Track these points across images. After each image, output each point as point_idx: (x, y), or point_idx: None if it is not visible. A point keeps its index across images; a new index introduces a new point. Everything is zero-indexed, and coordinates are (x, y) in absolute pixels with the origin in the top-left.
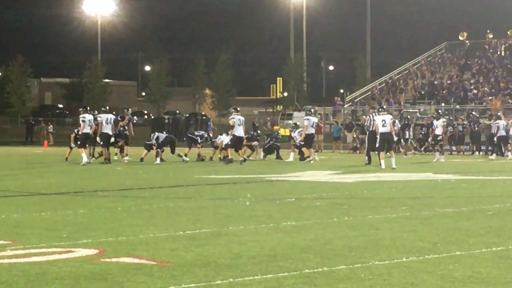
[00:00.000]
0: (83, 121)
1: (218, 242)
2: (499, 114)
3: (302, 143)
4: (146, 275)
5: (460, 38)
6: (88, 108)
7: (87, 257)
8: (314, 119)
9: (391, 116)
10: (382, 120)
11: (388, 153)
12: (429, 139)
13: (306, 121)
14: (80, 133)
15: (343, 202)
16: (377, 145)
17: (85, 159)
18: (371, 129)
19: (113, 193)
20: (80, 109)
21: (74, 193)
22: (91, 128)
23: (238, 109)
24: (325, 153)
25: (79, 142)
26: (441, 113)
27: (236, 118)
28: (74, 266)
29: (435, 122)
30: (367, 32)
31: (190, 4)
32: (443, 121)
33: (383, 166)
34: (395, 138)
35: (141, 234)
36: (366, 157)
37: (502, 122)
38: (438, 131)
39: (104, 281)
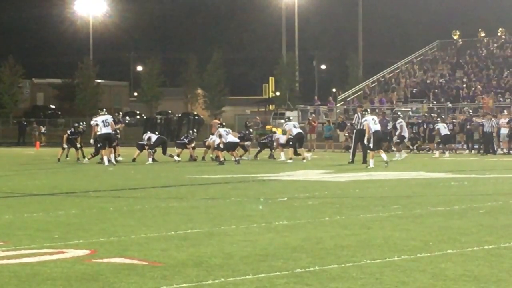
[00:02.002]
0: (96, 124)
1: (210, 242)
2: (490, 114)
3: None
4: (137, 276)
5: (453, 36)
6: (104, 109)
7: (79, 257)
8: (293, 123)
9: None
10: (373, 119)
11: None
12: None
13: (287, 126)
14: (98, 134)
15: (335, 201)
16: (371, 144)
17: (106, 160)
18: (358, 127)
19: (105, 194)
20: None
21: (66, 193)
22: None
23: (223, 124)
24: (317, 152)
25: (99, 145)
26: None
27: (222, 130)
28: (66, 266)
29: (439, 124)
30: (359, 31)
31: (181, 4)
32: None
33: (371, 165)
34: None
35: (133, 235)
36: (351, 156)
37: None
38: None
39: (96, 282)
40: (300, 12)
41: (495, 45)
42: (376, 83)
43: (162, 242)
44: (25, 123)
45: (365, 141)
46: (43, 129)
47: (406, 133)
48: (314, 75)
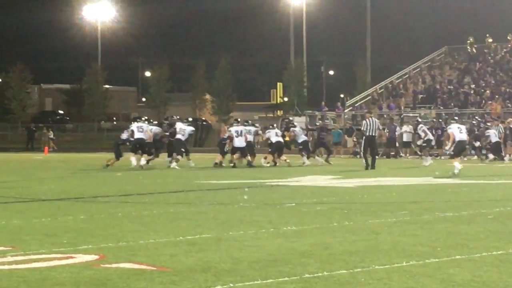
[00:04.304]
0: (132, 131)
1: (218, 247)
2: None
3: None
4: (146, 281)
5: (468, 42)
6: (144, 118)
7: (87, 263)
8: (276, 130)
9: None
10: (458, 127)
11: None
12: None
13: (268, 133)
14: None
15: (343, 206)
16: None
17: (134, 162)
18: (367, 134)
19: (113, 199)
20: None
21: (74, 199)
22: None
23: (239, 119)
24: (325, 157)
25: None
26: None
27: (233, 130)
28: (74, 272)
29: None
30: (367, 37)
31: (190, 9)
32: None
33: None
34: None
35: (141, 240)
36: (364, 161)
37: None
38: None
39: (104, 287)
40: (308, 17)
41: (504, 50)
42: (384, 89)
43: (171, 248)
44: (34, 129)
45: (447, 148)
46: (51, 135)
47: (431, 136)
48: (322, 81)
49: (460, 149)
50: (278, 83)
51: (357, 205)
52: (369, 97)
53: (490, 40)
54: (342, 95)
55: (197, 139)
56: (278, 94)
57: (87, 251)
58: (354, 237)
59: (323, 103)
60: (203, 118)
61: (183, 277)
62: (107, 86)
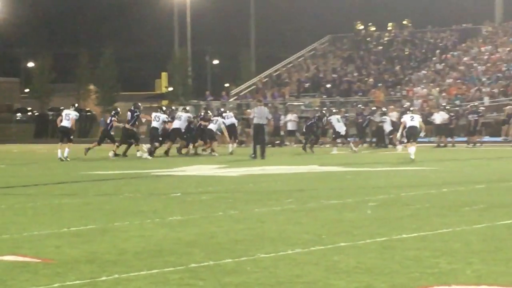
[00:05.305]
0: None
1: (104, 238)
2: (384, 109)
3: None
4: (30, 273)
5: (357, 28)
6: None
7: None
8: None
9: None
10: (411, 117)
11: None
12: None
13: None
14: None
15: (228, 195)
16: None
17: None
18: (256, 122)
19: None
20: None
21: None
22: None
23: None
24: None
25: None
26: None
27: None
28: None
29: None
30: (252, 26)
31: None
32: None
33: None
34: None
35: (25, 232)
36: (252, 150)
37: (388, 118)
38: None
39: None
40: (192, 6)
41: (386, 39)
42: (268, 78)
43: (55, 239)
44: None
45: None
46: None
47: (339, 129)
48: (207, 70)
49: (410, 134)
50: (163, 73)
51: (243, 194)
52: (254, 86)
53: (373, 28)
54: (227, 85)
55: (81, 129)
56: (163, 84)
57: None
58: (239, 226)
59: (207, 92)
60: (87, 109)
61: (68, 269)
62: None
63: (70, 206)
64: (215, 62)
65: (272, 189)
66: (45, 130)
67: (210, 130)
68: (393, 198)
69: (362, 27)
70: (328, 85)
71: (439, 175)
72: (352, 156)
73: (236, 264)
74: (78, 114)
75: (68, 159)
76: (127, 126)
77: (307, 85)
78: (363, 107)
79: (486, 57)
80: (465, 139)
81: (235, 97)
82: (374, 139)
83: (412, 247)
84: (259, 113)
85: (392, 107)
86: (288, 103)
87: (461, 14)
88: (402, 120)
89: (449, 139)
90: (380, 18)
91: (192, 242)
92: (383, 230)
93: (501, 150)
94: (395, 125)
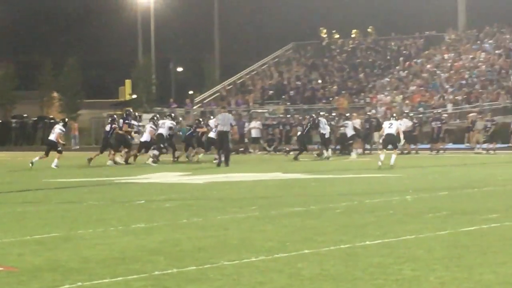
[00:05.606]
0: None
1: (67, 246)
2: (347, 114)
3: None
4: None
5: (321, 35)
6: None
7: None
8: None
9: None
10: (389, 123)
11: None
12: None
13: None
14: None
15: (192, 203)
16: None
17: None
18: (220, 129)
19: None
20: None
21: None
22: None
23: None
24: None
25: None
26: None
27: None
28: None
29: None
30: (215, 33)
31: (35, 6)
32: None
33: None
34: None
35: None
36: (217, 157)
37: (350, 123)
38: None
39: None
40: (156, 14)
41: (350, 46)
42: (232, 85)
43: (18, 247)
44: None
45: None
46: None
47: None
48: (171, 78)
49: (387, 142)
50: (127, 80)
51: (206, 201)
52: (218, 94)
53: (337, 36)
54: (191, 92)
55: (44, 137)
56: (127, 91)
57: None
58: (203, 233)
59: (171, 100)
60: (51, 116)
61: (30, 277)
62: None
63: (33, 214)
64: (179, 69)
65: (236, 196)
66: (8, 137)
67: (212, 138)
68: (357, 205)
69: (326, 34)
70: (292, 93)
71: (402, 182)
72: (316, 164)
73: (200, 272)
74: (63, 129)
75: (54, 167)
76: (120, 131)
77: (271, 92)
78: (327, 114)
79: (449, 64)
80: (428, 146)
81: (199, 105)
82: (338, 147)
83: (376, 254)
84: (223, 120)
85: (355, 114)
86: (252, 111)
87: (424, 22)
88: (383, 126)
89: (412, 146)
90: (344, 26)
91: (155, 249)
92: (346, 237)
93: (464, 157)
94: (358, 132)
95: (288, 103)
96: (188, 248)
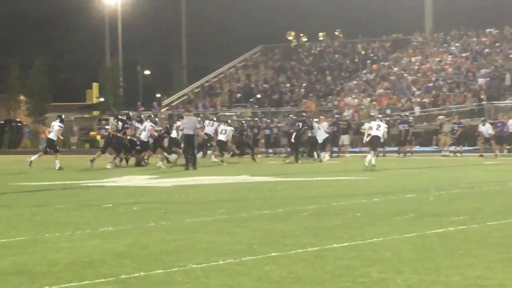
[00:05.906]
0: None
1: (34, 249)
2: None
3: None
4: None
5: (288, 38)
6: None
7: None
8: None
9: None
10: (378, 125)
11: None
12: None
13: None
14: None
15: (160, 206)
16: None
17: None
18: (185, 132)
19: None
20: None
21: None
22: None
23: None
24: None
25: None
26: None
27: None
28: None
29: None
30: (183, 36)
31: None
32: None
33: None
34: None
35: None
36: (185, 161)
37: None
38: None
39: None
40: (123, 17)
41: (318, 49)
42: (200, 88)
43: None
44: None
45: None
46: None
47: (319, 136)
48: (139, 80)
49: (371, 143)
50: (94, 83)
51: (174, 205)
52: (186, 97)
53: (305, 39)
54: (158, 95)
55: (11, 140)
56: (94, 94)
57: None
58: (171, 237)
59: (139, 103)
60: (18, 119)
61: None
62: None
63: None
64: (147, 72)
65: (204, 199)
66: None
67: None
68: (324, 208)
69: (294, 37)
70: (259, 95)
71: (370, 185)
72: (284, 167)
73: (167, 275)
74: (61, 125)
75: (58, 169)
76: (118, 134)
77: (238, 95)
78: (295, 117)
79: (416, 67)
80: (395, 148)
81: (167, 108)
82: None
83: (343, 257)
84: (188, 123)
85: (322, 117)
86: (220, 113)
87: (391, 25)
88: (368, 126)
89: (380, 148)
90: (311, 29)
91: (123, 253)
92: (314, 240)
93: (432, 160)
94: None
95: (256, 106)
96: (155, 251)
